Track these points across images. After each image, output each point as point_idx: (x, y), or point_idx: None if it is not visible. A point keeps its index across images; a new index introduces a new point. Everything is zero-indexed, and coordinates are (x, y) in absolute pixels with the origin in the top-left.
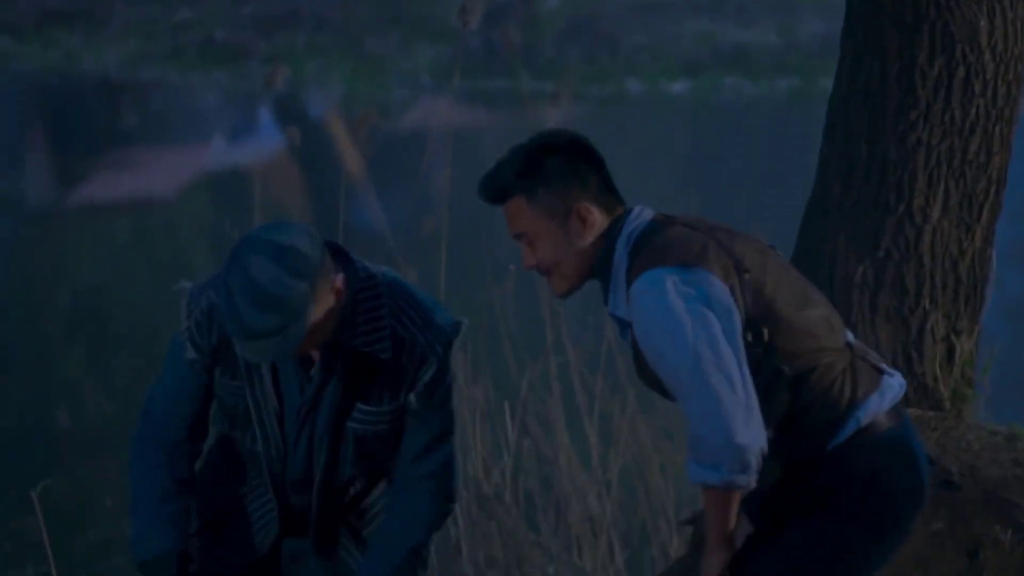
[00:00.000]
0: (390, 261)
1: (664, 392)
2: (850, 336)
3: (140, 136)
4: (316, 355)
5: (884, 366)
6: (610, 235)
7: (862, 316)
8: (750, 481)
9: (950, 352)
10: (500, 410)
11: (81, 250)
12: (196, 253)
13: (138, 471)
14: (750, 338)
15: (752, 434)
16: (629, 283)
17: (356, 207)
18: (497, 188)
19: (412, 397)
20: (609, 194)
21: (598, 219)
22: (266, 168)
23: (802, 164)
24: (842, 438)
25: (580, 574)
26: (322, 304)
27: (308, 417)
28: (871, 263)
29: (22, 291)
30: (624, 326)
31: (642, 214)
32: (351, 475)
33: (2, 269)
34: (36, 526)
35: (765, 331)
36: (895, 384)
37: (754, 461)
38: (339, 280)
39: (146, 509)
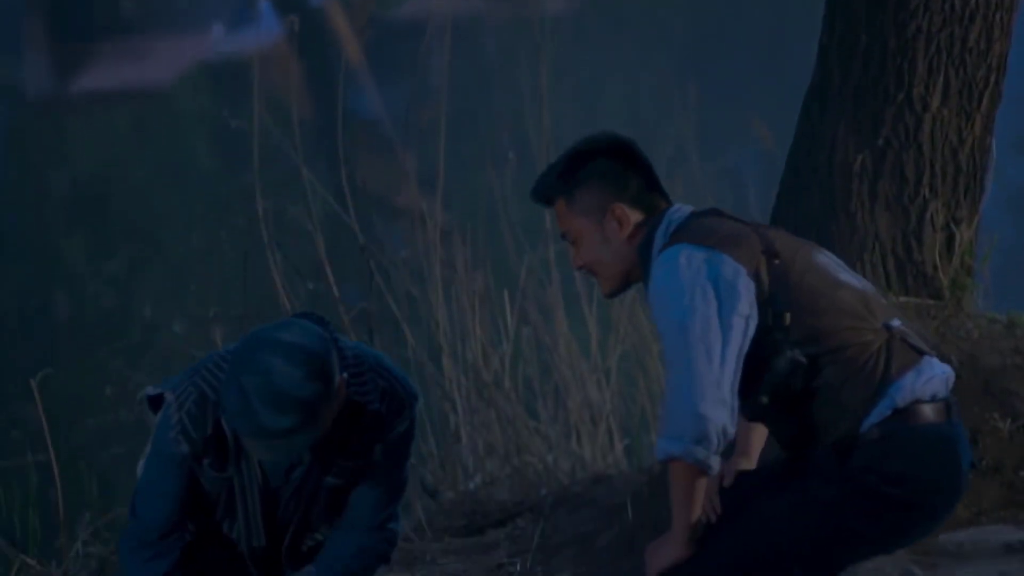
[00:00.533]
0: (390, 149)
1: None
2: (896, 321)
3: (140, 24)
4: None
5: (927, 349)
6: (650, 229)
7: (861, 204)
8: (710, 458)
9: (949, 241)
10: (499, 297)
11: (81, 138)
12: (195, 141)
13: (133, 568)
14: (771, 320)
15: (716, 410)
16: None
17: (355, 95)
18: (542, 191)
19: (378, 448)
20: (652, 195)
21: (634, 220)
22: (265, 56)
23: (802, 52)
24: (877, 417)
25: (579, 461)
26: (333, 402)
27: (299, 487)
28: (870, 151)
29: (21, 179)
30: None
31: (681, 209)
32: (318, 528)
33: (1, 157)
34: (35, 414)
35: (787, 315)
36: (937, 367)
37: (715, 436)
38: (343, 377)
39: None
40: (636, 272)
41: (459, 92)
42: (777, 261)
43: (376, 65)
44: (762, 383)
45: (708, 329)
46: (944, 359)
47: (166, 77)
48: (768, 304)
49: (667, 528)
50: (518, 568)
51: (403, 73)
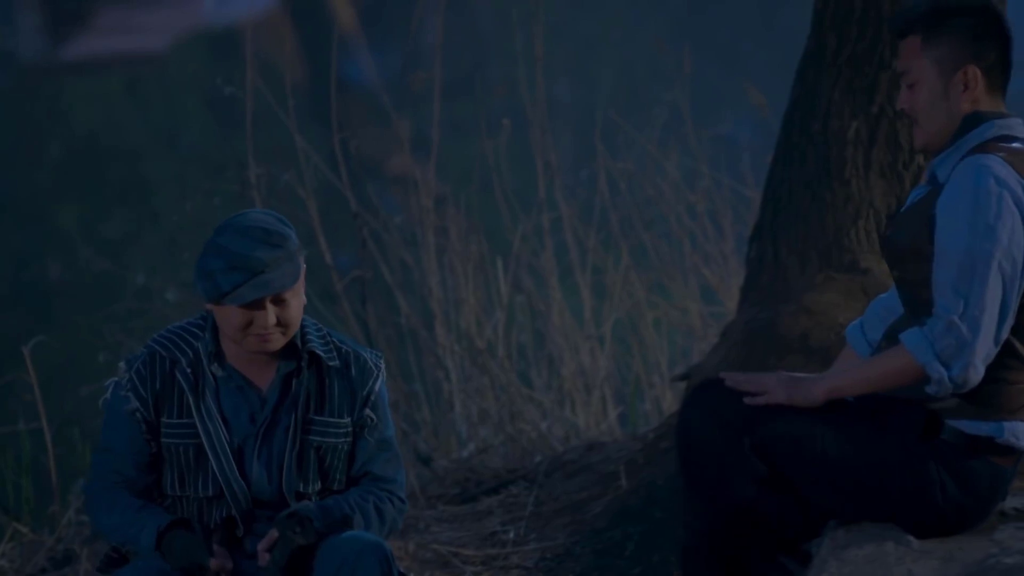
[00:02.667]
0: (383, 115)
1: (892, 252)
2: None
3: None
4: (264, 382)
5: None
6: (983, 117)
7: (855, 172)
8: (942, 391)
9: None
10: (493, 264)
11: (75, 104)
12: (189, 107)
13: (103, 510)
14: None
15: (982, 369)
16: (969, 155)
17: (349, 61)
18: (903, 22)
19: (368, 411)
20: (1001, 76)
21: (980, 90)
22: (258, 22)
23: (798, 17)
24: (971, 429)
25: (573, 429)
26: (301, 279)
27: (265, 436)
28: (865, 118)
29: (15, 144)
30: (929, 184)
31: (1020, 126)
32: (314, 492)
33: None
34: (28, 381)
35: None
36: None
37: (966, 388)
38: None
39: (131, 518)
40: (949, 139)
41: (453, 57)
42: None
43: (370, 30)
44: None
45: (1014, 280)
46: None
47: (160, 43)
48: None
49: (662, 496)
50: (511, 536)
51: (397, 38)
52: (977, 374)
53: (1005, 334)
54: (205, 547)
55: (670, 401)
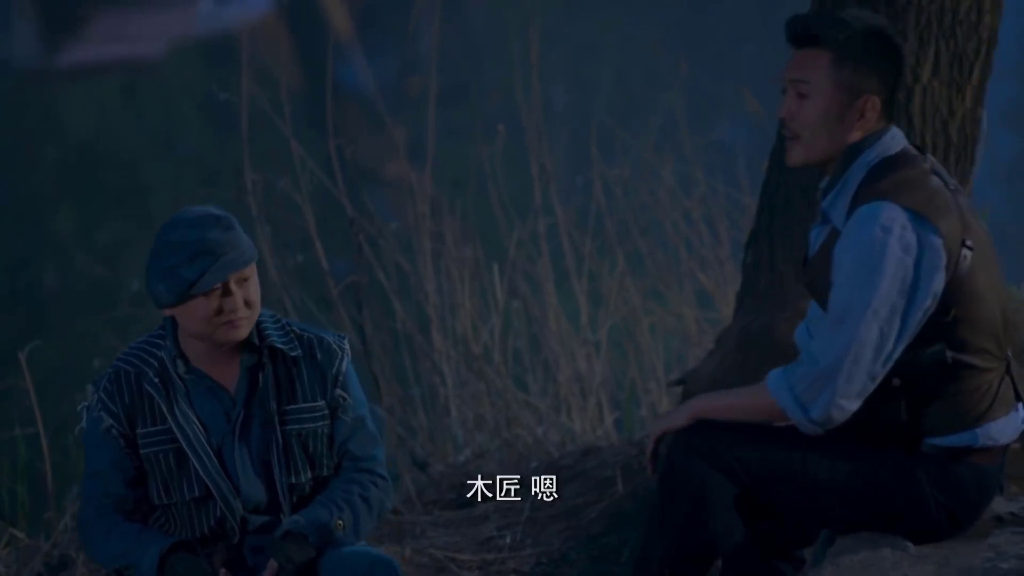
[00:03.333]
0: (379, 120)
1: (816, 295)
2: (1009, 352)
3: None
4: (230, 380)
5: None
6: (862, 144)
7: None
8: (804, 430)
9: None
10: (489, 270)
11: (70, 109)
12: (184, 113)
13: (100, 537)
14: (936, 307)
15: (854, 403)
16: (859, 196)
17: (344, 67)
18: (813, 28)
19: (339, 391)
20: (891, 103)
21: (873, 120)
22: (254, 28)
23: None
24: (951, 443)
25: (569, 434)
26: (252, 266)
27: (242, 433)
28: None
29: (10, 150)
30: (826, 223)
31: (896, 138)
32: (306, 481)
33: None
34: (23, 386)
35: (953, 311)
36: (1020, 418)
37: (833, 424)
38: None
39: (131, 543)
40: (830, 164)
41: (449, 63)
42: (965, 253)
43: (365, 36)
44: (902, 366)
45: (892, 322)
46: None
47: (156, 49)
48: (943, 294)
49: (653, 500)
50: (508, 541)
51: (392, 44)
52: (843, 412)
53: (884, 369)
54: (209, 569)
55: (666, 406)
